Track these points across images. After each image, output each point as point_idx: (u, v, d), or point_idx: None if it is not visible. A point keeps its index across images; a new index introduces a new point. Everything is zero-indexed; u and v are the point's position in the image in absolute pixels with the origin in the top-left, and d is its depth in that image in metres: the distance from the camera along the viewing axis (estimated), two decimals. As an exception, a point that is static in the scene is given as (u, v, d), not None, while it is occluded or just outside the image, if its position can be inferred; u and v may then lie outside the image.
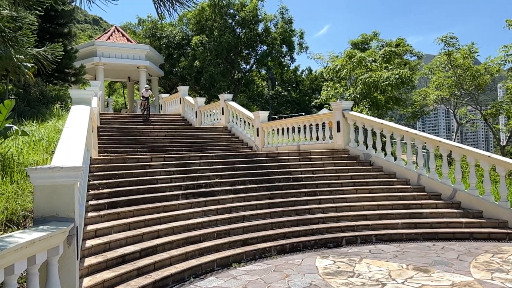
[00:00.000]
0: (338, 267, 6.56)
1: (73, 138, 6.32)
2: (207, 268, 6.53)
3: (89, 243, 5.94)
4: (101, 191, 7.77)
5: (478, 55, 27.37)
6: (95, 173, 8.42)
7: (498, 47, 25.03)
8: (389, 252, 7.48)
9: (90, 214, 6.83)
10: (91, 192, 7.60)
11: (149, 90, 21.45)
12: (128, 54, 25.47)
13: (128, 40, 27.88)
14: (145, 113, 20.09)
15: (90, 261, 5.51)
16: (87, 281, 5.07)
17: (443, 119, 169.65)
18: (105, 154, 11.49)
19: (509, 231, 8.39)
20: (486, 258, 6.91)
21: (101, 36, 28.73)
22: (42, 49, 6.23)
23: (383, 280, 5.84)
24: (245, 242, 7.52)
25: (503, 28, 23.85)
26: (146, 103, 20.29)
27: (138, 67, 25.88)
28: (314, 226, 8.48)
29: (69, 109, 9.18)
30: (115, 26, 30.07)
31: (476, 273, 6.06)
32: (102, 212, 7.04)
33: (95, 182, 7.98)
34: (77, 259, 4.55)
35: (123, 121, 18.47)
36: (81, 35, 53.15)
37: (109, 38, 27.08)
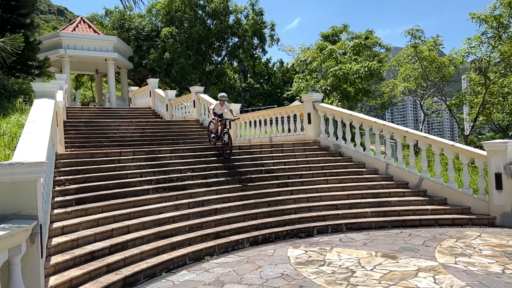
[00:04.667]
0: (310, 257, 6.66)
1: (36, 132, 6.09)
2: (179, 262, 6.49)
3: (56, 240, 5.77)
4: (67, 187, 7.55)
5: (443, 47, 28.28)
6: (61, 169, 8.17)
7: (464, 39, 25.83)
8: (358, 240, 7.66)
9: (56, 211, 6.63)
10: (57, 188, 7.37)
11: (227, 103, 11.44)
12: (95, 46, 24.69)
13: (95, 31, 27.01)
14: (219, 142, 11.11)
15: (56, 259, 5.35)
16: (54, 279, 4.93)
17: (411, 110, 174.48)
18: (72, 149, 11.16)
19: (471, 216, 8.76)
20: (450, 243, 7.19)
21: (66, 27, 27.70)
22: (1, 40, 5.94)
23: (352, 268, 5.98)
24: (217, 235, 7.52)
25: (467, 20, 24.69)
26: (224, 126, 11.09)
27: (106, 60, 25.16)
28: (286, 217, 8.57)
29: (33, 103, 8.83)
30: (81, 17, 29.00)
31: (440, 258, 6.29)
32: (69, 209, 6.84)
33: (61, 178, 7.75)
34: (42, 258, 4.41)
35: (91, 115, 17.96)
36: (45, 26, 51.07)
37: (74, 29, 26.13)
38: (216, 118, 11.17)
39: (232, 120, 11.58)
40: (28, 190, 4.16)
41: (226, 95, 11.46)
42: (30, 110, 7.83)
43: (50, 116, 7.32)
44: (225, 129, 10.93)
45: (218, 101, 11.38)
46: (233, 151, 11.10)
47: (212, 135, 11.52)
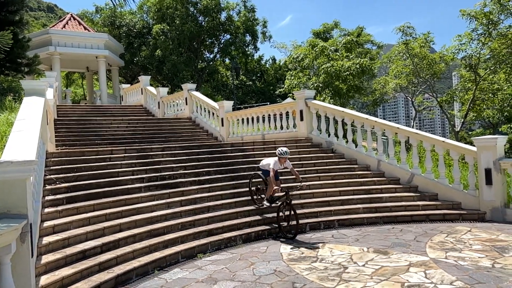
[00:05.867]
0: (302, 253, 6.69)
1: (25, 131, 6.02)
2: (171, 260, 6.48)
3: (47, 239, 5.73)
4: (58, 185, 7.48)
5: (434, 44, 28.38)
6: (52, 167, 8.09)
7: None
8: (351, 236, 7.71)
9: (47, 210, 6.58)
10: (48, 187, 7.31)
11: (288, 161, 8.33)
12: (85, 43, 24.42)
13: (85, 28, 26.69)
14: (280, 214, 7.94)
15: (47, 258, 5.32)
16: (45, 279, 4.89)
17: (402, 107, 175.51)
18: (63, 147, 11.07)
19: (462, 212, 8.85)
20: (441, 238, 7.26)
21: (56, 24, 27.34)
22: (-12, 37, 5.86)
23: (345, 264, 6.01)
24: (210, 233, 7.51)
25: (457, 17, 24.84)
26: (286, 195, 7.82)
27: (96, 57, 24.91)
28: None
29: (22, 101, 8.72)
30: (71, 14, 28.65)
31: (431, 253, 6.36)
32: (60, 208, 6.78)
33: (52, 176, 7.67)
34: (32, 257, 4.37)
35: (82, 113, 17.79)
36: (34, 23, 50.46)
37: (64, 26, 25.81)
38: (275, 182, 7.93)
39: (298, 189, 8.43)
40: (18, 189, 4.12)
41: (288, 151, 8.16)
42: (20, 108, 7.73)
43: (40, 114, 7.23)
44: (288, 200, 7.76)
45: (277, 158, 8.18)
46: (225, 148, 11.03)
47: (266, 203, 8.29)
